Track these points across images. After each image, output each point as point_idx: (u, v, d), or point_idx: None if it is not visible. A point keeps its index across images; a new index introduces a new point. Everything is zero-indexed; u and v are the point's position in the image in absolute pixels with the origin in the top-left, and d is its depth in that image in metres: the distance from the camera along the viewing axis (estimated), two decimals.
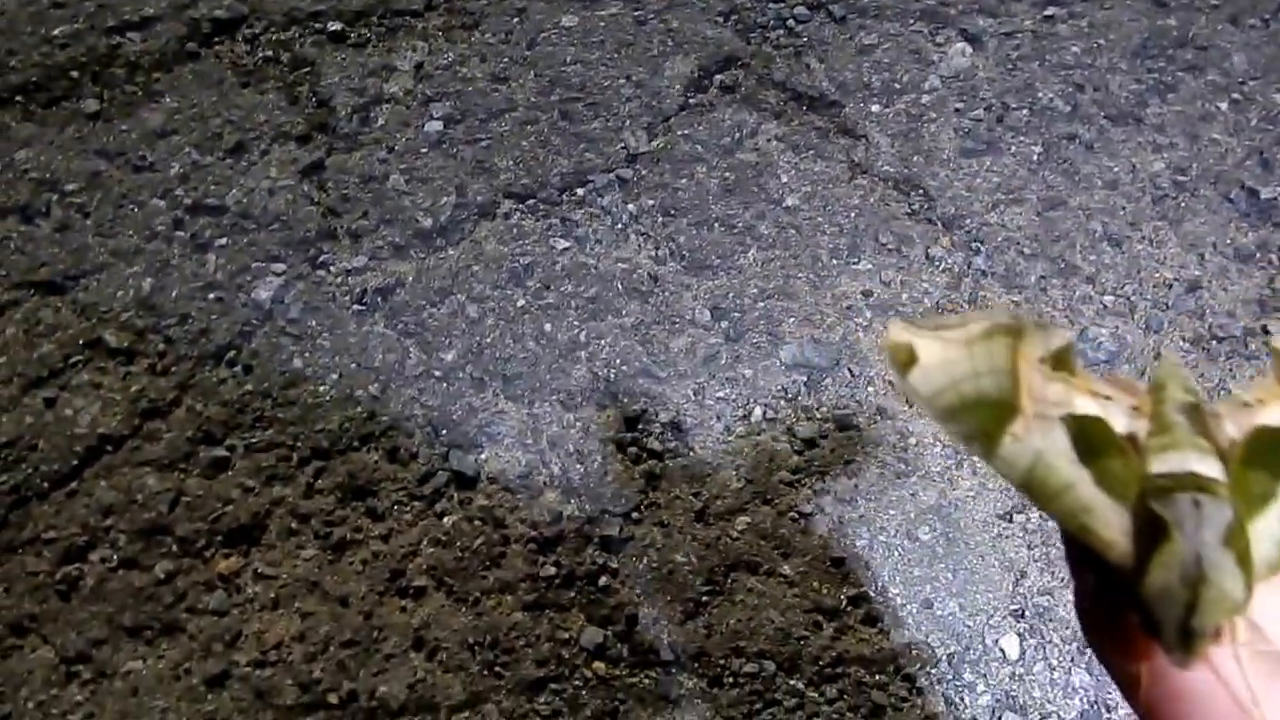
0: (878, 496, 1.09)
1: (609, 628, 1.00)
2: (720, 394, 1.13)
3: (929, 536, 1.07)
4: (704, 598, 1.02)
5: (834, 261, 1.23)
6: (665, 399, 1.12)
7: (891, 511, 1.08)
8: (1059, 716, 1.01)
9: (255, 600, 0.97)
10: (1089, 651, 1.03)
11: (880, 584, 1.04)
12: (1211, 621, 0.32)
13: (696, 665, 0.99)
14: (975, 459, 1.11)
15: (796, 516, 1.07)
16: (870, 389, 1.14)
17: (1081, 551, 0.38)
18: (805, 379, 1.15)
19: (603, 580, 1.02)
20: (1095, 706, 1.01)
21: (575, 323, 1.16)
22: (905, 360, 0.41)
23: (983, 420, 0.39)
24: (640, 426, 1.10)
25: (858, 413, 1.13)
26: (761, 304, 1.19)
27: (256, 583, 0.98)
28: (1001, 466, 0.39)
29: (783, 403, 1.13)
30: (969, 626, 1.03)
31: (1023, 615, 1.04)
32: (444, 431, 1.08)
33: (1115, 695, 1.02)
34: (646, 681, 0.98)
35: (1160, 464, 0.35)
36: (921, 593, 1.04)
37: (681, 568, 1.04)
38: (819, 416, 1.13)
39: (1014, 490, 1.11)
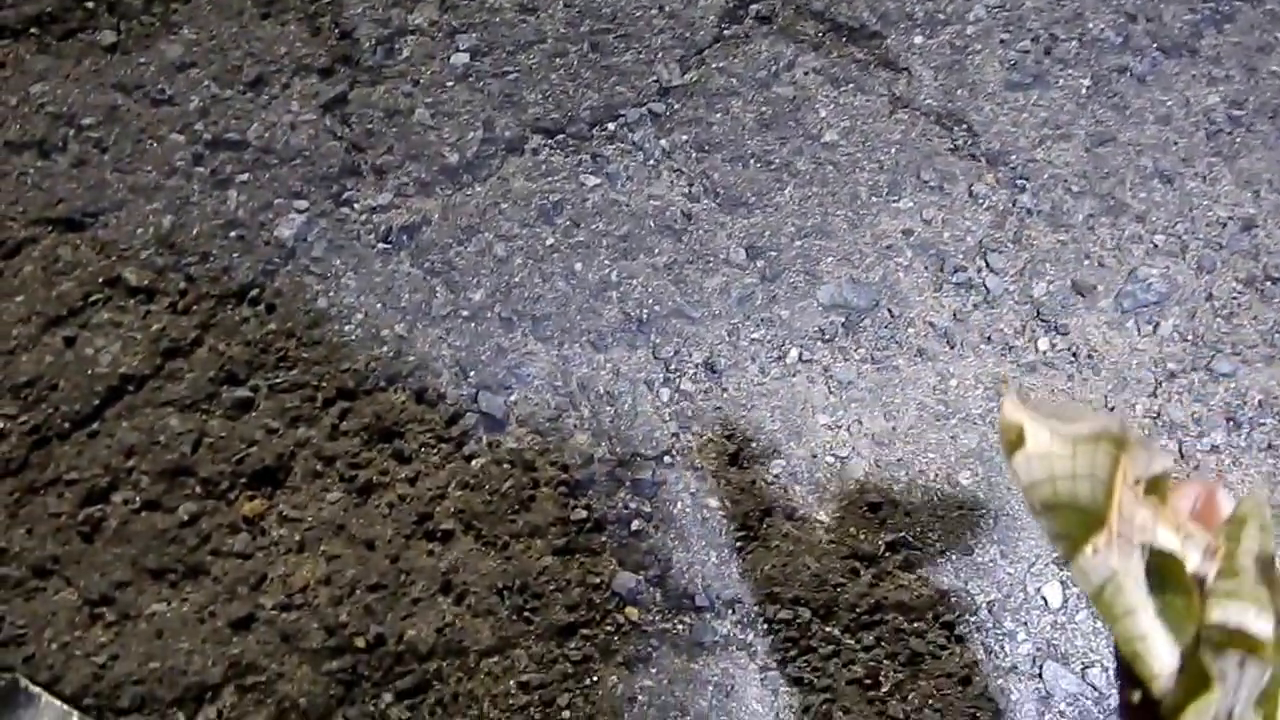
0: (916, 440, 1.06)
1: (641, 573, 0.98)
2: (755, 335, 1.10)
3: (970, 481, 1.04)
4: (738, 543, 1.00)
5: (873, 199, 1.19)
6: (699, 340, 1.10)
7: (931, 455, 1.05)
8: (1102, 665, 0.98)
9: (280, 543, 0.96)
10: None
11: (919, 529, 1.02)
12: None
13: (731, 611, 0.97)
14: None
15: (833, 460, 1.04)
16: (910, 330, 1.11)
17: (1129, 670, 0.40)
18: (843, 320, 1.11)
19: (635, 524, 1.00)
20: None
21: (606, 262, 1.13)
22: (1014, 441, 0.43)
23: (1071, 524, 0.41)
24: (673, 368, 1.08)
25: (897, 354, 1.10)
26: (798, 243, 1.16)
27: (281, 525, 0.96)
28: (1077, 574, 0.41)
29: (819, 344, 1.10)
30: (1010, 574, 1.01)
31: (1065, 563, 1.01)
32: (472, 373, 1.05)
33: None
34: (680, 627, 0.96)
35: (1219, 612, 0.37)
36: (962, 539, 1.02)
37: (715, 512, 1.01)
38: (857, 358, 1.10)
39: None
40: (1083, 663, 0.99)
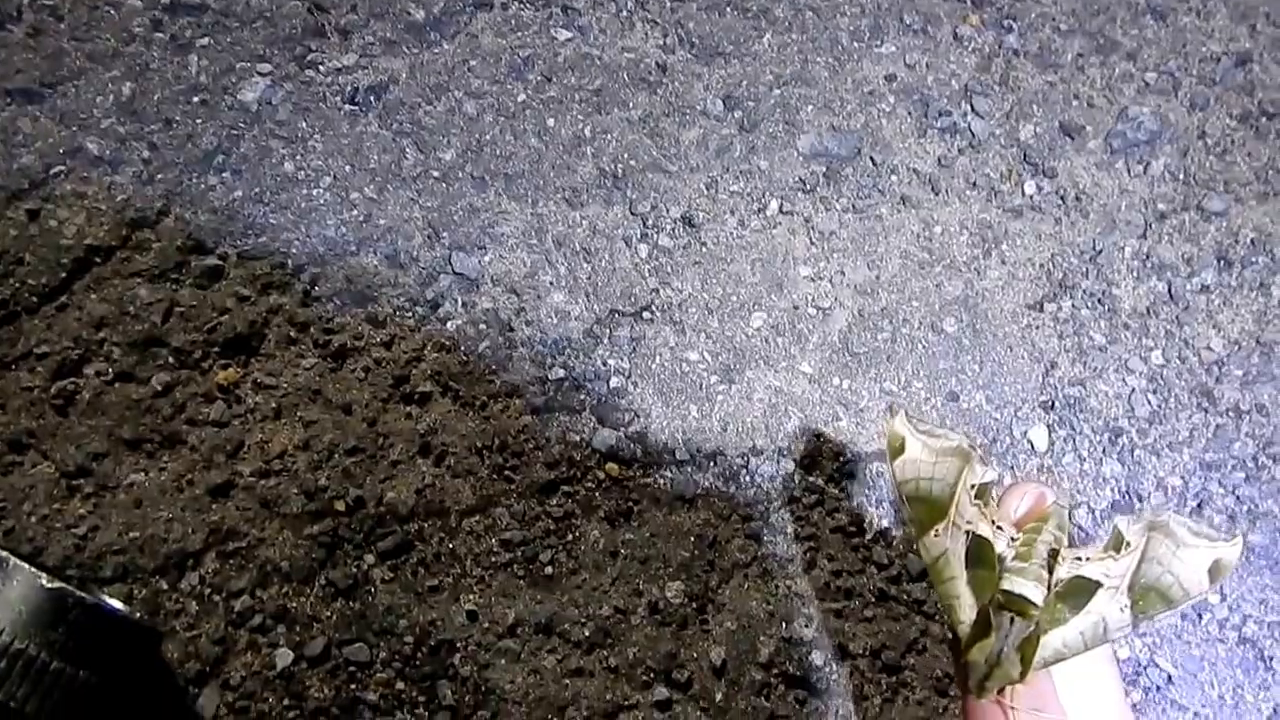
0: (900, 288, 1.02)
1: (621, 429, 0.95)
2: (734, 187, 1.06)
3: (954, 328, 1.01)
4: (719, 396, 0.97)
5: (855, 44, 1.13)
6: (676, 194, 1.05)
7: (915, 304, 1.01)
8: (1089, 507, 0.96)
9: (256, 410, 0.93)
10: (1120, 440, 0.98)
11: (903, 378, 0.99)
12: (995, 686, 0.51)
13: (712, 464, 0.95)
14: (1003, 248, 1.04)
15: (815, 311, 1.01)
16: (893, 177, 1.06)
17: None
18: (824, 169, 1.06)
19: (614, 381, 0.97)
20: (1126, 496, 0.96)
21: (579, 117, 1.07)
22: (896, 449, 0.57)
23: (924, 514, 0.56)
24: (650, 223, 1.03)
25: (880, 202, 1.05)
26: (777, 92, 1.10)
27: (257, 393, 0.93)
28: (922, 549, 0.55)
29: (800, 194, 1.06)
30: (996, 419, 0.98)
31: (1052, 407, 0.98)
32: (445, 234, 1.01)
33: (1147, 484, 0.97)
34: (661, 481, 0.94)
35: (1008, 584, 0.51)
36: (946, 386, 0.99)
37: (696, 366, 0.98)
38: (839, 208, 1.05)
39: (1045, 278, 1.04)
40: (1069, 505, 0.96)
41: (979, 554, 0.53)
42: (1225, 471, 0.97)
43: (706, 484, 0.94)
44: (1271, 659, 0.92)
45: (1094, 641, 0.51)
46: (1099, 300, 1.02)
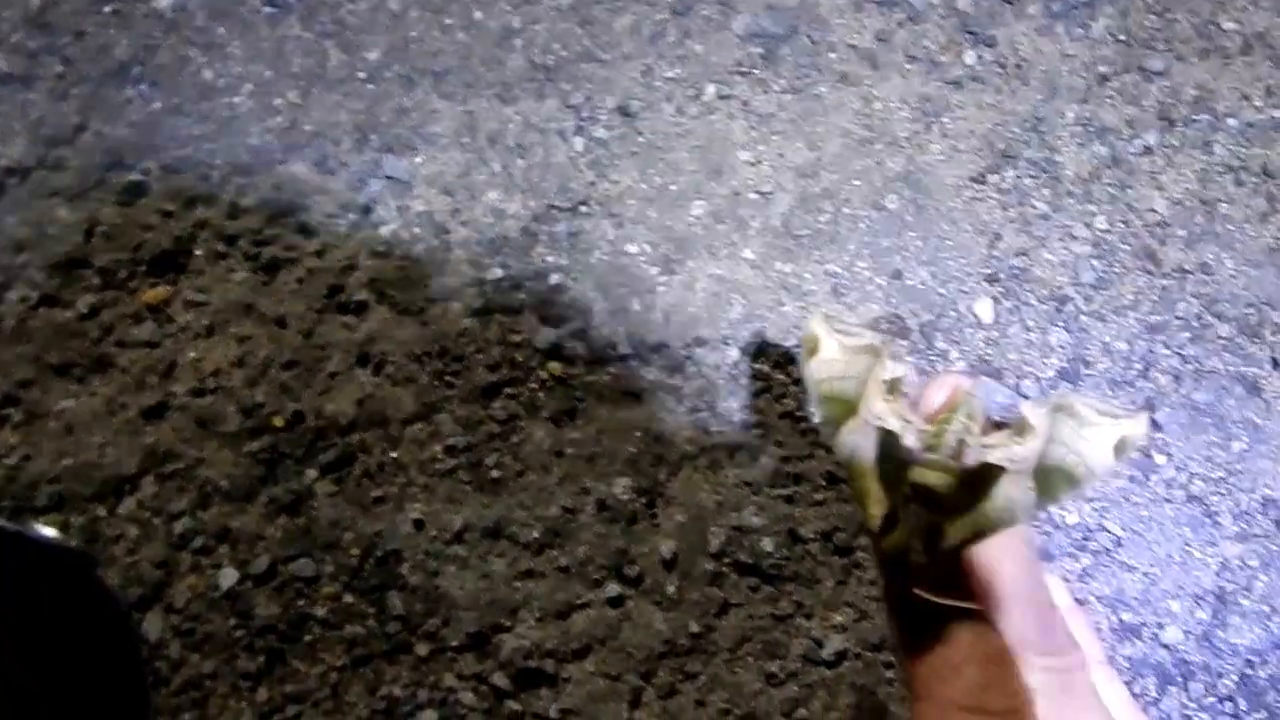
0: (841, 168, 0.94)
1: (563, 326, 0.89)
2: (670, 74, 0.97)
3: (897, 205, 0.94)
4: (661, 288, 0.90)
5: None
6: (610, 84, 0.97)
7: (856, 182, 0.94)
8: (1036, 377, 0.91)
9: (187, 329, 0.86)
10: (1066, 308, 0.92)
11: (847, 258, 0.92)
12: (899, 571, 0.48)
13: (656, 356, 0.89)
14: (944, 121, 0.97)
15: (756, 196, 0.93)
16: (831, 55, 0.98)
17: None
18: (761, 50, 0.98)
19: (553, 279, 0.90)
20: (1073, 364, 0.91)
21: (507, 8, 0.98)
22: (812, 348, 0.53)
23: (836, 411, 0.52)
24: (585, 115, 0.95)
25: (818, 81, 0.97)
26: None
27: (187, 310, 0.86)
28: (836, 447, 0.51)
29: (737, 77, 0.97)
30: (941, 294, 0.92)
31: (997, 279, 0.92)
32: (373, 136, 0.93)
33: (1093, 350, 0.91)
34: (605, 378, 0.88)
35: (915, 475, 0.48)
36: (890, 263, 0.92)
37: (636, 259, 0.91)
38: (777, 89, 0.97)
39: (987, 149, 0.97)
40: (1016, 374, 0.91)
41: (887, 448, 0.50)
42: (1170, 333, 0.92)
43: (651, 377, 0.88)
44: (1217, 514, 0.88)
45: (1001, 524, 0.49)
46: (1042, 168, 0.95)
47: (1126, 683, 0.78)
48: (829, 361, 0.54)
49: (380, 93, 0.94)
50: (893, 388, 0.52)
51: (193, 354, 0.84)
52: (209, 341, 0.85)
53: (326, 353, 0.85)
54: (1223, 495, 0.88)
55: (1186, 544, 0.87)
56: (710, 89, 0.96)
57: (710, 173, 0.93)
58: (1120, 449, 0.49)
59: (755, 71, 0.97)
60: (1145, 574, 0.86)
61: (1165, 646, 0.86)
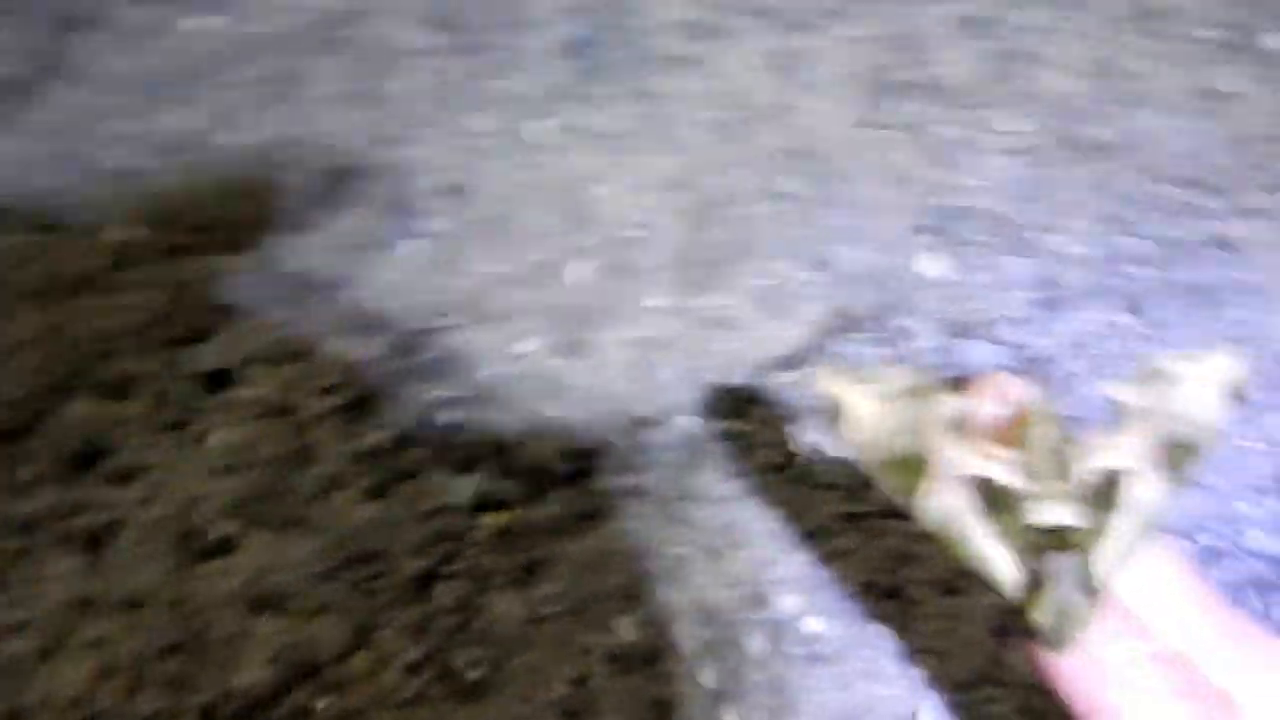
0: (716, 164, 0.78)
1: (478, 469, 0.70)
2: (482, 126, 0.80)
3: (793, 184, 0.78)
4: (572, 379, 0.74)
5: None
6: (418, 163, 0.78)
7: (740, 173, 0.78)
8: (1010, 319, 0.78)
9: (17, 660, 0.65)
10: (1009, 231, 0.80)
11: (763, 264, 0.77)
12: (1072, 634, 0.38)
13: (600, 461, 0.72)
14: (808, 70, 0.83)
15: (636, 233, 0.77)
16: (658, 39, 0.82)
17: None
18: (577, 62, 0.82)
19: (444, 417, 0.72)
20: (1043, 289, 0.78)
21: (269, 116, 0.79)
22: (835, 412, 0.44)
23: (902, 478, 0.42)
24: (402, 212, 0.77)
25: (653, 74, 0.81)
26: None
27: (9, 636, 0.65)
28: (920, 519, 0.42)
29: (562, 102, 0.81)
30: (880, 267, 0.77)
31: (928, 227, 0.79)
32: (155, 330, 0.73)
33: (1055, 266, 0.79)
34: (553, 509, 0.69)
35: (1036, 517, 0.39)
36: (812, 253, 0.76)
37: (530, 357, 0.73)
38: (611, 100, 0.81)
39: (867, 84, 0.83)
40: (989, 324, 0.78)
41: (990, 498, 0.41)
42: (1124, 218, 0.81)
43: (604, 486, 0.71)
44: None
45: (1145, 534, 0.41)
46: (927, 87, 0.82)
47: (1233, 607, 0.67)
48: (866, 422, 0.44)
49: None
50: (962, 424, 0.43)
51: (37, 689, 0.63)
52: (51, 665, 0.64)
53: (208, 617, 0.66)
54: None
55: (1228, 436, 0.76)
56: (536, 127, 0.80)
57: (574, 225, 0.77)
58: (1228, 395, 0.43)
59: (579, 88, 0.81)
60: (1202, 486, 0.76)
61: (1253, 554, 0.75)
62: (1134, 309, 0.77)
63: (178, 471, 0.70)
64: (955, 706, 0.66)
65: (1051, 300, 0.78)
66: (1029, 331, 0.77)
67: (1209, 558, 0.75)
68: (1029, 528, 0.40)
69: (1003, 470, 0.42)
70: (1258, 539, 0.76)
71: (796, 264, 0.77)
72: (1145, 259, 0.80)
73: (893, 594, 0.71)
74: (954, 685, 0.66)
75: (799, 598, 0.70)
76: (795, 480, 0.73)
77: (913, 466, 0.43)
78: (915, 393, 0.45)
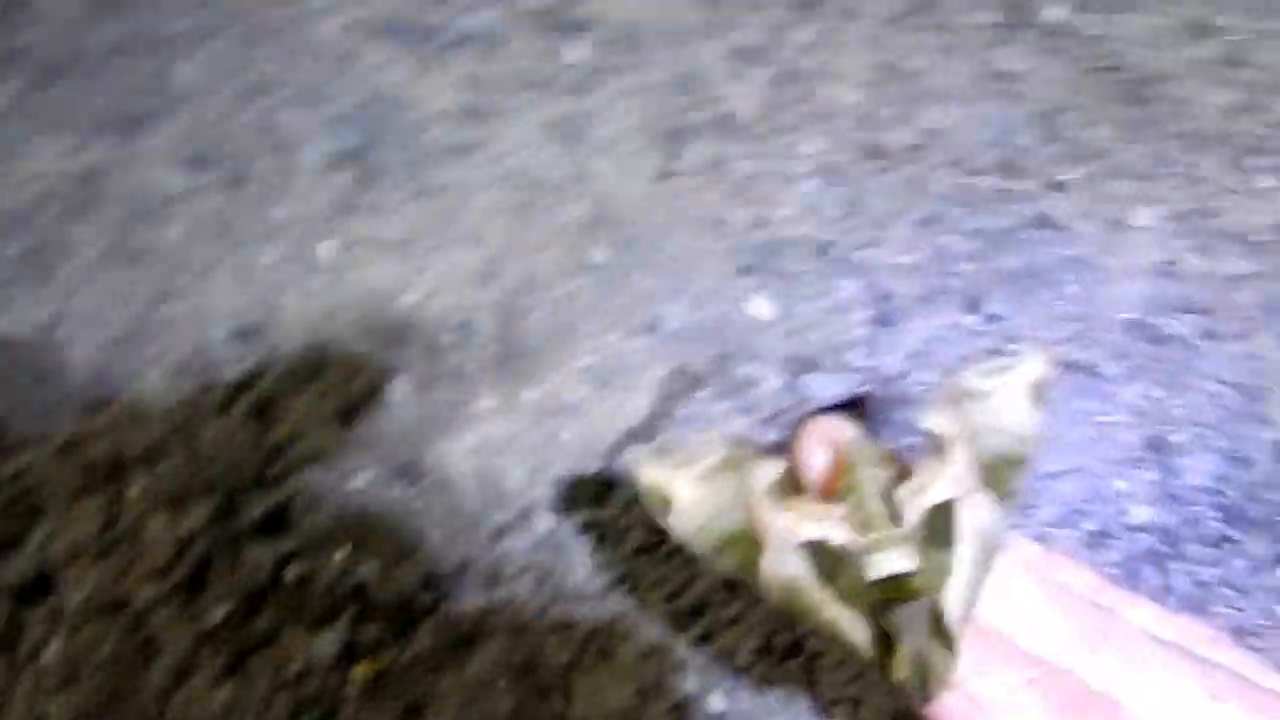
0: (520, 249, 0.74)
1: (339, 619, 0.65)
2: (267, 260, 0.75)
3: (605, 254, 0.74)
4: (411, 499, 0.69)
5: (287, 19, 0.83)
6: (204, 312, 0.73)
7: (546, 254, 0.75)
8: (852, 343, 0.76)
9: None
10: (833, 253, 0.78)
11: (590, 343, 0.74)
12: (935, 687, 0.36)
13: (464, 581, 0.67)
14: (595, 131, 0.80)
15: (451, 336, 0.73)
16: (433, 131, 0.79)
17: None
18: (352, 173, 0.77)
19: (292, 572, 0.67)
20: (877, 305, 0.77)
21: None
22: (662, 502, 0.42)
23: (737, 558, 0.41)
24: (197, 369, 0.72)
25: (435, 168, 0.78)
26: (251, 117, 0.79)
27: None
28: (763, 594, 0.40)
29: (344, 219, 0.76)
30: (708, 315, 0.75)
31: (751, 268, 0.76)
32: None
33: (886, 280, 0.78)
34: (426, 642, 0.64)
35: (872, 569, 0.38)
36: (640, 318, 0.73)
37: (372, 488, 0.68)
38: (396, 204, 0.77)
39: (656, 136, 0.81)
40: (833, 352, 0.76)
41: (826, 561, 0.40)
42: (941, 215, 0.80)
43: (475, 606, 0.67)
44: (1095, 366, 0.77)
45: (989, 558, 0.40)
46: (721, 124, 0.80)
47: (1130, 589, 0.65)
48: (691, 508, 0.42)
49: None
50: (780, 489, 0.42)
51: None
52: None
53: None
54: (1087, 344, 0.77)
55: (1090, 415, 0.75)
56: (322, 250, 0.75)
57: (386, 342, 0.72)
58: (1037, 395, 0.43)
59: (360, 198, 0.77)
60: (1074, 471, 0.74)
61: (1140, 529, 0.74)
62: (971, 307, 0.76)
63: (15, 695, 0.63)
64: None
65: (889, 315, 0.77)
66: (874, 351, 0.75)
67: (1096, 541, 0.74)
68: (870, 584, 0.39)
69: (833, 528, 0.40)
70: (1141, 514, 0.74)
71: (624, 333, 0.73)
72: (971, 254, 0.79)
73: (792, 652, 0.68)
74: None
75: (696, 677, 0.66)
76: (668, 557, 0.69)
77: (745, 543, 0.41)
78: (732, 465, 0.43)
